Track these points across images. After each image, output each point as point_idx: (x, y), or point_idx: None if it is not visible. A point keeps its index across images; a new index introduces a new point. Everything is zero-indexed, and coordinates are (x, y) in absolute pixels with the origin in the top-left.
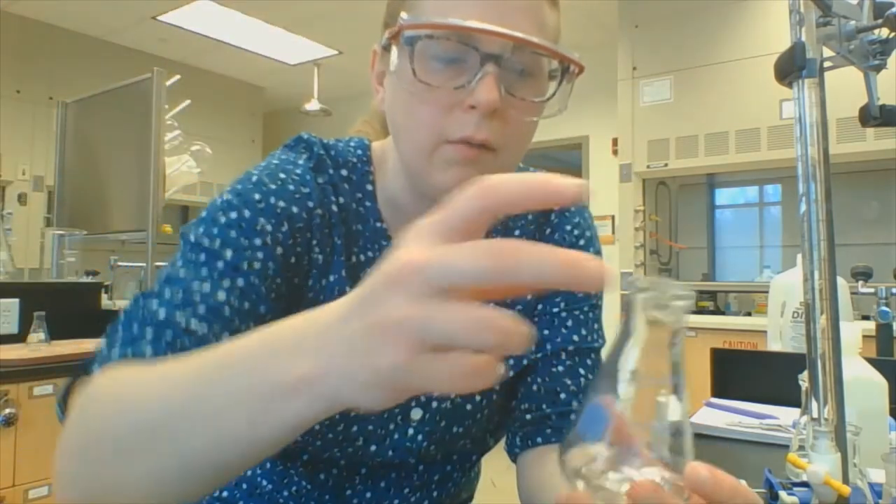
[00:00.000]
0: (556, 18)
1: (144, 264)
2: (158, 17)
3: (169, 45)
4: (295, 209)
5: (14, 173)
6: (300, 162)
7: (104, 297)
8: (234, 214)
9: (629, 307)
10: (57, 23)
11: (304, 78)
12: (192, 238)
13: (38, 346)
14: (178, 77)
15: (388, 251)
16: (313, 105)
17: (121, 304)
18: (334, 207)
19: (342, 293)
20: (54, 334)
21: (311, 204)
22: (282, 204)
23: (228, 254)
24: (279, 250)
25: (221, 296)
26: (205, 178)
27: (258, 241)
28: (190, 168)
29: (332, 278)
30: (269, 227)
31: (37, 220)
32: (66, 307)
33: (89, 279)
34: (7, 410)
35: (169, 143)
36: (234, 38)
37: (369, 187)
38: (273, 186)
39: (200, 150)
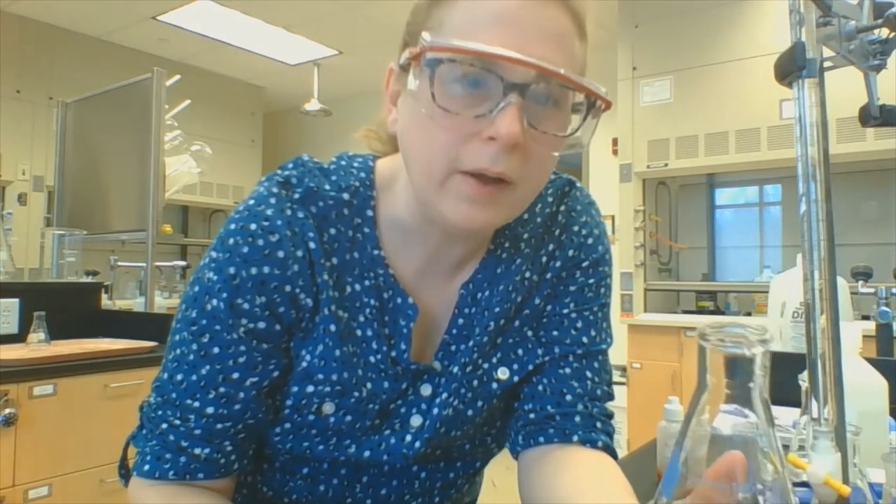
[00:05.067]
0: (584, 51)
1: (144, 264)
2: (158, 17)
3: (169, 45)
4: (266, 269)
5: (14, 173)
6: (272, 201)
7: (104, 297)
8: (215, 301)
9: (700, 358)
10: (57, 23)
11: (304, 78)
12: (186, 318)
13: (38, 346)
14: (178, 77)
15: (383, 280)
16: (313, 105)
17: (121, 303)
18: (312, 244)
19: (327, 331)
20: (54, 334)
21: (281, 254)
22: (253, 271)
23: (215, 351)
24: (261, 324)
25: (210, 409)
26: (205, 178)
27: (241, 330)
28: (190, 168)
29: (317, 319)
30: (245, 306)
31: (37, 220)
32: (66, 307)
33: (89, 279)
34: (7, 410)
35: (169, 143)
36: (234, 38)
37: (370, 212)
38: (245, 250)
39: (200, 150)
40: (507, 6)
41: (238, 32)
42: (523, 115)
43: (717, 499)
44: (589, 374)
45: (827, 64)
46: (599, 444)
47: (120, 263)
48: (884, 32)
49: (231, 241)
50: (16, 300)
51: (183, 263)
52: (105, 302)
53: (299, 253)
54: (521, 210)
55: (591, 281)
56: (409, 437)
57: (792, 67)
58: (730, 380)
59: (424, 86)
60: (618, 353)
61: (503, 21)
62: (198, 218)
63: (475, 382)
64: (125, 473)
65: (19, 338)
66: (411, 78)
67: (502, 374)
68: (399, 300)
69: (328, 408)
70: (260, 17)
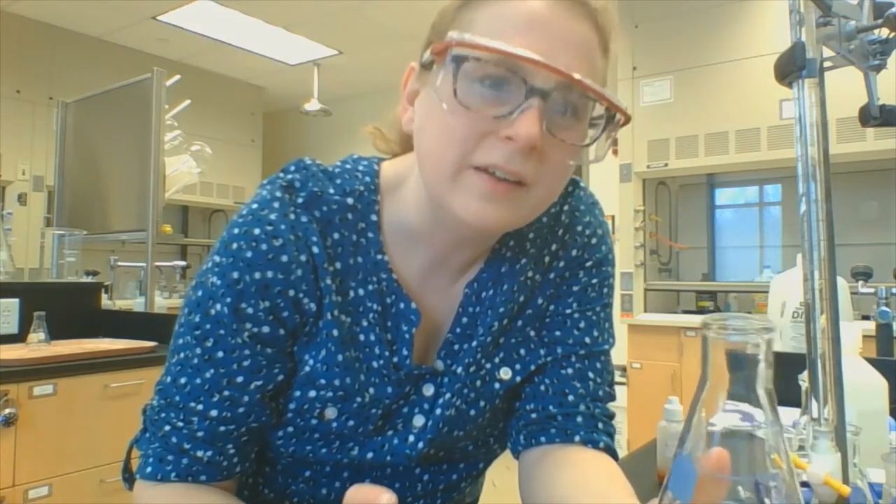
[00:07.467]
0: (605, 66)
1: (144, 264)
2: (158, 17)
3: (169, 45)
4: (270, 273)
5: (14, 173)
6: (275, 205)
7: (104, 297)
8: (219, 306)
9: (703, 349)
10: (57, 23)
11: (304, 78)
12: (190, 322)
13: (38, 346)
14: (178, 77)
15: (386, 284)
16: (313, 105)
17: (121, 303)
18: (315, 249)
19: (330, 335)
20: (54, 334)
21: (284, 258)
22: (257, 275)
23: (220, 355)
24: (265, 329)
25: (214, 413)
26: (205, 178)
27: (245, 335)
28: (190, 168)
29: (321, 323)
30: (249, 310)
31: (37, 220)
32: (66, 307)
33: (89, 279)
34: (7, 410)
35: (169, 143)
36: (234, 38)
37: (374, 217)
38: (249, 254)
39: (200, 150)
40: (538, 11)
41: (238, 32)
42: (543, 119)
43: (715, 492)
44: (591, 374)
45: (827, 64)
46: (601, 444)
47: (120, 263)
48: (884, 32)
49: (234, 245)
50: (16, 300)
51: (183, 263)
52: (105, 302)
53: (303, 257)
54: (536, 214)
55: (594, 281)
56: (411, 438)
57: (792, 67)
58: (732, 371)
59: (447, 81)
60: (618, 353)
61: (532, 25)
62: (198, 218)
63: (478, 382)
64: (129, 477)
65: (19, 338)
66: (433, 73)
67: (504, 374)
68: (402, 305)
69: (330, 412)
70: (260, 17)
